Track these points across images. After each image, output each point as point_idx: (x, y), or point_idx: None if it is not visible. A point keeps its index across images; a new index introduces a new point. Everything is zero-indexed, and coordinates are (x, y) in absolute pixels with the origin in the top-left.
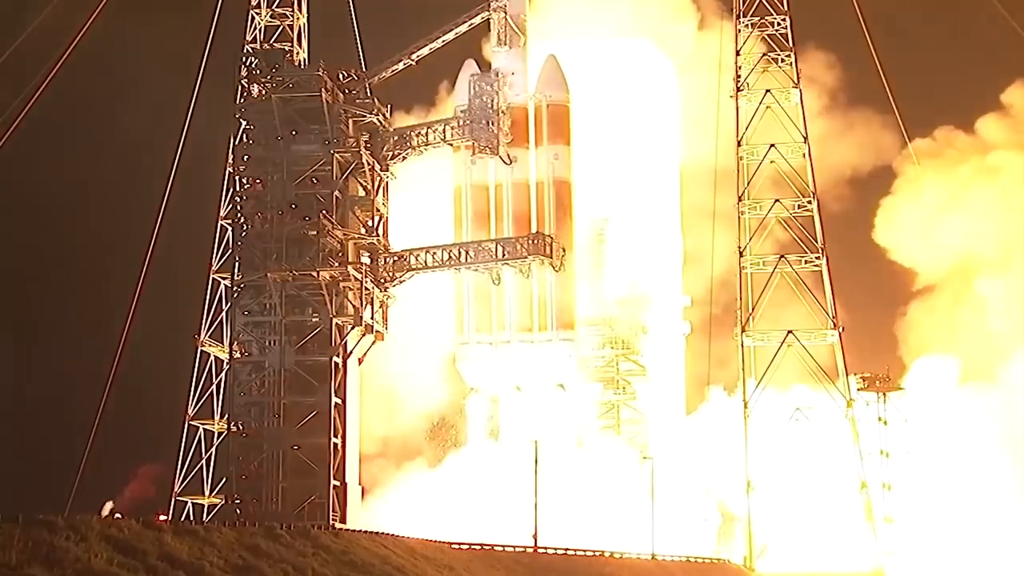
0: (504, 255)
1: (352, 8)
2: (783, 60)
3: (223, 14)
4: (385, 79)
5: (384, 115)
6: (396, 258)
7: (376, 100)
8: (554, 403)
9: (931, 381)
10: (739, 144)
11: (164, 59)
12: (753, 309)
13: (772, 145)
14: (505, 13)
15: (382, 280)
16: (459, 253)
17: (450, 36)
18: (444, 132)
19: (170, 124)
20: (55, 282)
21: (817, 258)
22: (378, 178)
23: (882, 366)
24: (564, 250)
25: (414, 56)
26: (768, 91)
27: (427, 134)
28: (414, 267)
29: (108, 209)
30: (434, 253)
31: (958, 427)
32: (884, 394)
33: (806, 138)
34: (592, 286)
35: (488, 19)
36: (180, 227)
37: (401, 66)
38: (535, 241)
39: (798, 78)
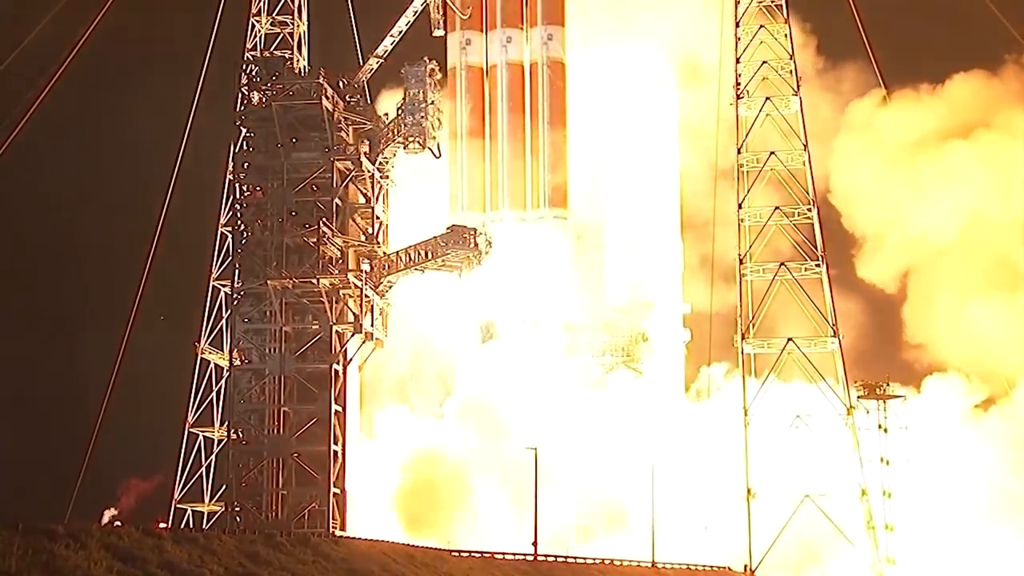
0: (429, 255)
1: (352, 15)
2: (783, 68)
3: (224, 21)
4: (368, 78)
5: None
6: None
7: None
8: (548, 282)
9: (938, 396)
10: (739, 151)
11: (165, 66)
12: (753, 317)
13: (772, 153)
14: None
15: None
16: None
17: (403, 25)
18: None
19: (170, 132)
20: (55, 289)
21: (817, 266)
22: (378, 185)
23: (887, 370)
24: (490, 243)
25: (380, 53)
26: (768, 99)
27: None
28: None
29: (108, 216)
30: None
31: (959, 437)
32: (884, 402)
33: (806, 145)
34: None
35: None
36: (180, 234)
37: (375, 64)
38: (457, 237)
39: (798, 86)
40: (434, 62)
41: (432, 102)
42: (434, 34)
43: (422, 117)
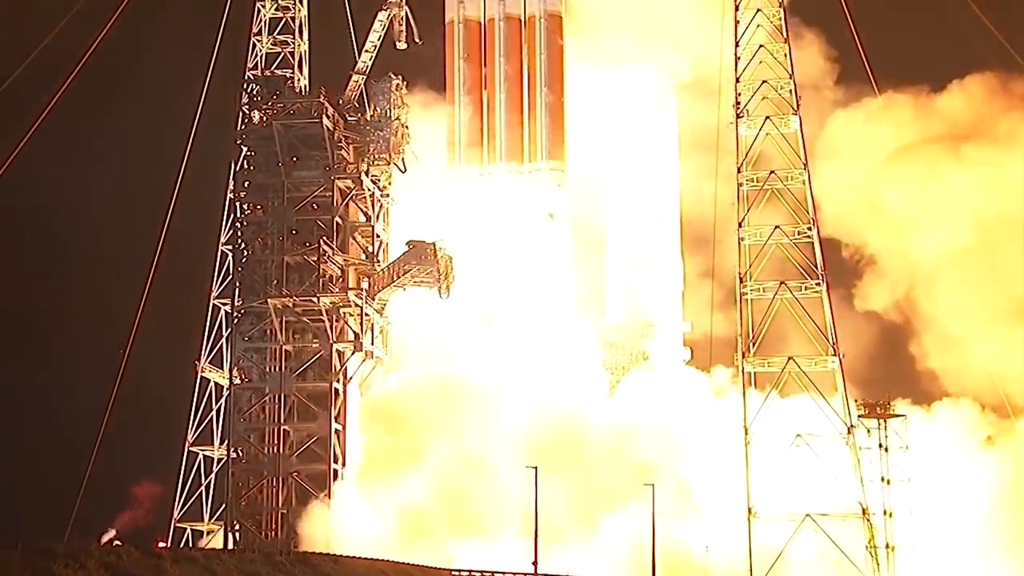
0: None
1: (352, 32)
2: (782, 88)
3: (225, 41)
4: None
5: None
6: None
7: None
8: (543, 232)
9: (945, 418)
10: (739, 171)
11: (166, 85)
12: (753, 336)
13: (771, 172)
14: (401, 9)
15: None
16: None
17: (375, 39)
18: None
19: (171, 150)
20: (55, 307)
21: (817, 284)
22: (378, 204)
23: (898, 389)
24: (450, 259)
25: (360, 69)
26: (767, 118)
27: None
28: None
29: (108, 233)
30: None
31: (965, 460)
32: (885, 420)
33: (806, 164)
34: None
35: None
36: (181, 252)
37: (360, 80)
38: (416, 253)
39: (797, 105)
40: (399, 77)
41: (398, 118)
42: (397, 47)
43: (388, 133)
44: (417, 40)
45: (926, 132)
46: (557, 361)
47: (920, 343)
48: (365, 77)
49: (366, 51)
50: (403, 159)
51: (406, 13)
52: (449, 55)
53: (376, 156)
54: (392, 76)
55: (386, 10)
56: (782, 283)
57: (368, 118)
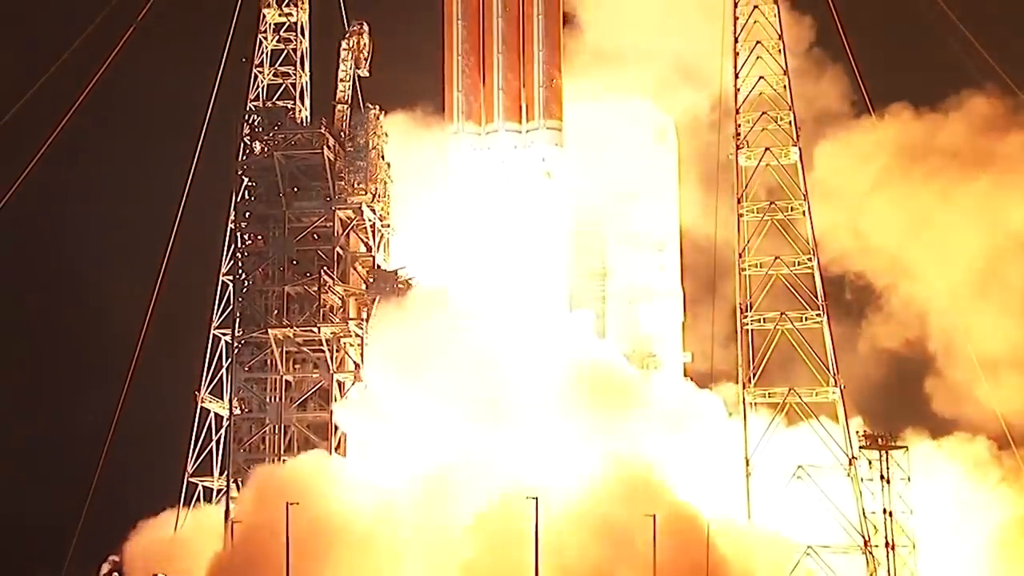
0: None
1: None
2: (781, 118)
3: (227, 72)
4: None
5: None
6: None
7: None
8: (541, 190)
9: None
10: (739, 201)
11: (167, 117)
12: (754, 367)
13: (771, 202)
14: (362, 37)
15: None
16: None
17: (346, 67)
18: None
19: (172, 181)
20: (55, 337)
21: (818, 315)
22: (379, 234)
23: (909, 419)
24: (409, 283)
25: (342, 99)
26: (767, 149)
27: None
28: None
29: (108, 264)
30: None
31: (970, 494)
32: (886, 452)
33: (806, 195)
34: None
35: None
36: (181, 283)
37: (345, 109)
38: (381, 282)
39: (797, 136)
40: (376, 106)
41: (374, 147)
42: (360, 75)
43: (367, 164)
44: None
45: (938, 161)
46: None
47: (936, 373)
48: (348, 105)
49: (341, 80)
50: (376, 190)
51: (367, 37)
52: (448, 16)
53: (355, 186)
54: (370, 106)
55: (349, 38)
56: (782, 314)
57: (347, 149)
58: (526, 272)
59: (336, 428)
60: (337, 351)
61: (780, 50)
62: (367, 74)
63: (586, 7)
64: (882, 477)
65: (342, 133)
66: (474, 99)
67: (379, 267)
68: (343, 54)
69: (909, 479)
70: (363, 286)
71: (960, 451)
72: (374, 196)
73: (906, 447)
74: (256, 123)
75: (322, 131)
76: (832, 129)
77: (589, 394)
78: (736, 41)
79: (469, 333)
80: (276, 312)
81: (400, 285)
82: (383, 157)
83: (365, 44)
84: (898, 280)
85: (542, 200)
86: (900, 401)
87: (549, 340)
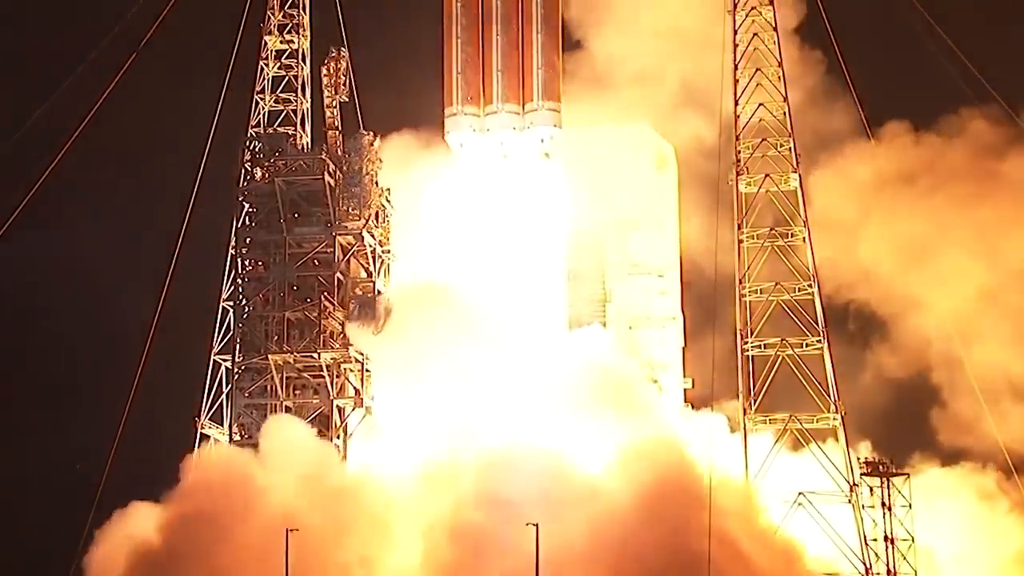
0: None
1: (351, 74)
2: (782, 145)
3: (228, 98)
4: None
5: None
6: None
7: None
8: (539, 171)
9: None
10: (739, 227)
11: (167, 145)
12: (754, 393)
13: (771, 228)
14: (342, 61)
15: None
16: None
17: (331, 92)
18: None
19: (173, 206)
20: (53, 363)
21: (819, 341)
22: (379, 259)
23: (917, 443)
24: (389, 310)
25: (332, 125)
26: (767, 175)
27: None
28: None
29: (109, 291)
30: None
31: (973, 522)
32: (888, 479)
33: (806, 221)
34: None
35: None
36: (182, 309)
37: (336, 134)
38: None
39: (797, 162)
40: (371, 132)
41: (368, 173)
42: (340, 100)
43: (361, 190)
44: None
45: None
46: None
47: (941, 403)
48: (338, 131)
49: (328, 107)
50: (371, 232)
51: (346, 63)
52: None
53: (350, 212)
54: (364, 132)
55: (327, 64)
56: (783, 340)
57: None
58: (526, 255)
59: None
60: (337, 377)
61: (780, 77)
62: (346, 99)
63: (589, 31)
64: (884, 504)
65: (342, 159)
66: (473, 81)
67: (361, 294)
68: (325, 80)
69: (910, 506)
70: (351, 311)
71: (968, 480)
72: (366, 222)
73: (907, 474)
74: (257, 149)
75: (323, 157)
76: (837, 158)
77: (601, 397)
78: (736, 68)
79: (474, 332)
80: (276, 338)
81: (375, 308)
82: (376, 183)
83: (344, 70)
84: (901, 310)
85: (541, 181)
86: (908, 428)
87: (554, 341)
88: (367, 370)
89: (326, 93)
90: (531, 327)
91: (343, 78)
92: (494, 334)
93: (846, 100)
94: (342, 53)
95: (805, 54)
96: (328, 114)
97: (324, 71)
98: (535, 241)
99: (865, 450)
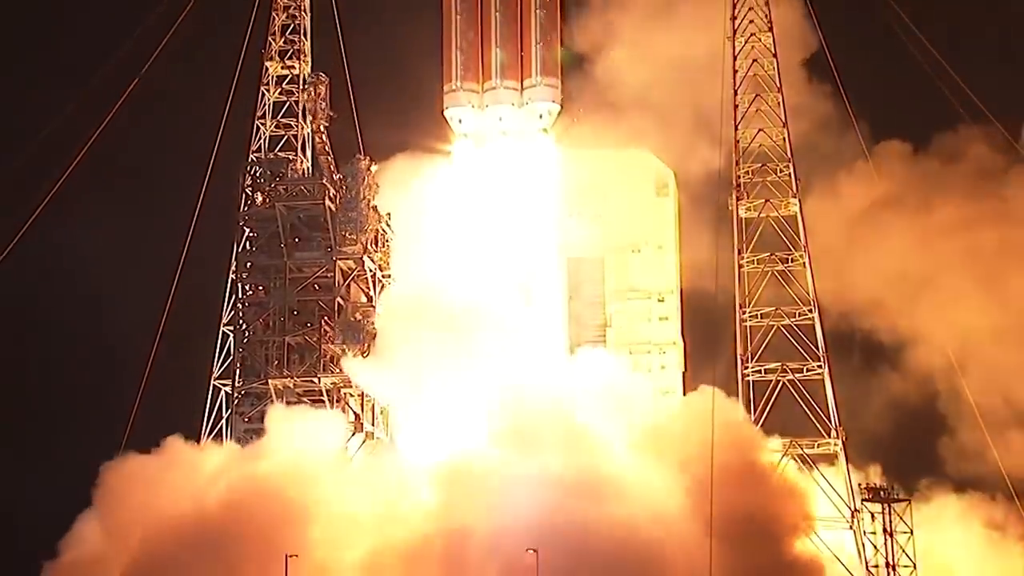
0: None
1: (352, 99)
2: (781, 171)
3: (229, 123)
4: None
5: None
6: None
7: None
8: (538, 147)
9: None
10: (739, 252)
11: (169, 169)
12: (755, 418)
13: (771, 254)
14: (320, 87)
15: None
16: None
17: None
18: None
19: (174, 232)
20: (52, 388)
21: (819, 366)
22: (379, 284)
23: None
24: (375, 335)
25: (324, 151)
26: (767, 201)
27: None
28: None
29: (110, 316)
30: None
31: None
32: (889, 505)
33: (806, 246)
34: None
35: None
36: (183, 334)
37: (328, 160)
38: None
39: (797, 188)
40: (368, 158)
41: (365, 198)
42: (320, 127)
43: (358, 215)
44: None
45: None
46: None
47: (949, 431)
48: (327, 156)
49: (316, 133)
50: (371, 257)
51: (326, 88)
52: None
53: (347, 237)
54: (360, 157)
55: (305, 91)
56: (783, 365)
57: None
58: (525, 270)
59: None
60: (337, 401)
61: (779, 103)
62: (327, 125)
63: (593, 54)
64: (885, 531)
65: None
66: (472, 58)
67: (360, 318)
68: (307, 106)
69: (912, 532)
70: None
71: (976, 508)
72: (364, 246)
73: (909, 500)
74: (258, 174)
75: (323, 182)
76: (843, 186)
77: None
78: (736, 93)
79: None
80: (276, 362)
81: (368, 334)
82: (375, 207)
83: (323, 95)
84: (906, 337)
85: (540, 156)
86: (917, 454)
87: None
88: (366, 395)
89: (308, 119)
90: (530, 349)
91: (323, 103)
92: (490, 355)
93: (853, 132)
94: (321, 79)
95: (814, 87)
96: (317, 140)
97: (305, 96)
98: (534, 241)
99: (875, 475)
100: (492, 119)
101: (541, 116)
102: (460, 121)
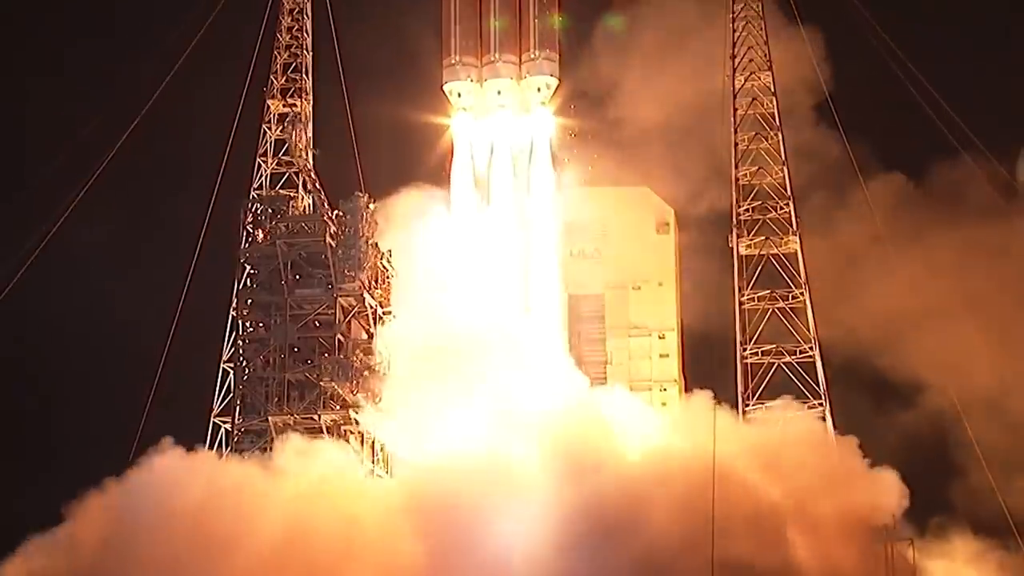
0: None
1: (352, 132)
2: (781, 208)
3: (231, 161)
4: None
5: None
6: None
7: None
8: (538, 120)
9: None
10: (739, 290)
11: (167, 204)
12: None
13: (770, 291)
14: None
15: None
16: None
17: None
18: None
19: (174, 270)
20: (50, 427)
21: (820, 404)
22: (380, 320)
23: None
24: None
25: (313, 188)
26: (767, 238)
27: None
28: None
29: (110, 354)
30: None
31: None
32: (891, 547)
33: (806, 283)
34: None
35: None
36: (182, 372)
37: (320, 195)
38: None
39: (797, 226)
40: (367, 194)
41: (363, 236)
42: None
43: (357, 252)
44: (314, 151)
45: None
46: None
47: (960, 474)
48: (313, 191)
49: (303, 172)
50: (368, 280)
51: (304, 120)
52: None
53: (345, 274)
54: (359, 194)
55: (287, 123)
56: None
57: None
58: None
59: None
60: (338, 438)
61: (779, 141)
62: (307, 164)
63: (599, 91)
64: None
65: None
66: (471, 32)
67: (362, 355)
68: (287, 140)
69: (915, 573)
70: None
71: (992, 550)
72: (363, 283)
73: (911, 539)
74: (259, 211)
75: (324, 218)
76: (850, 224)
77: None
78: (735, 131)
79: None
80: (276, 399)
81: (358, 371)
82: (375, 244)
83: (300, 131)
84: (915, 377)
85: (538, 130)
86: (930, 495)
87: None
88: (367, 432)
89: (295, 154)
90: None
91: (301, 143)
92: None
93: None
94: (299, 117)
95: (822, 131)
96: (305, 178)
97: (284, 132)
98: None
99: None
100: (491, 93)
101: (539, 89)
102: (459, 95)
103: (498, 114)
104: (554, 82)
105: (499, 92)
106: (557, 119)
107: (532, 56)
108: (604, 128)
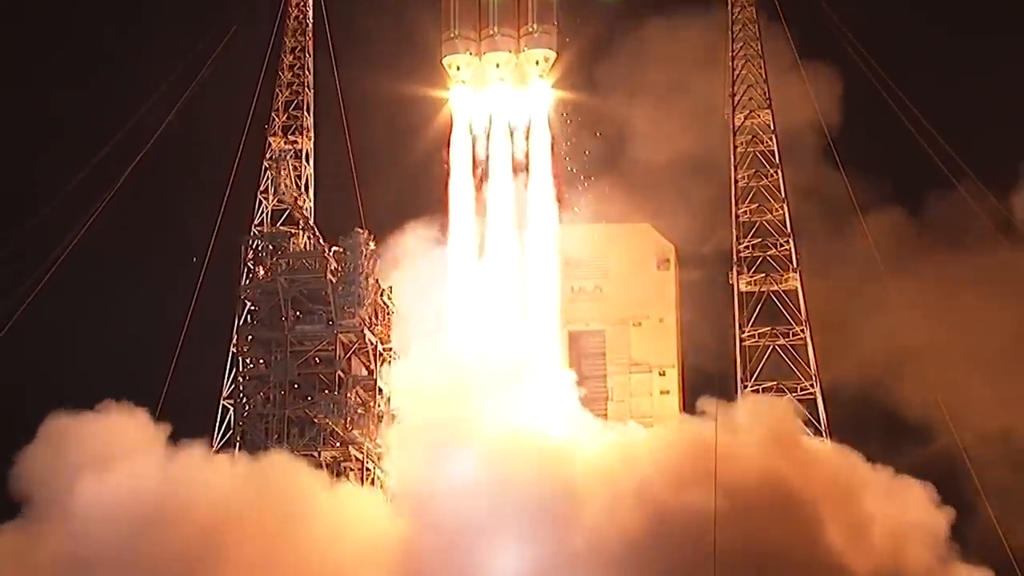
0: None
1: (353, 169)
2: (781, 245)
3: (232, 196)
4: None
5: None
6: None
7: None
8: (536, 95)
9: None
10: (739, 326)
11: (172, 241)
12: None
13: (771, 327)
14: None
15: None
16: None
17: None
18: None
19: (176, 305)
20: None
21: (821, 441)
22: (380, 358)
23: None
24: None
25: (306, 226)
26: (767, 275)
27: None
28: None
29: (111, 387)
30: None
31: None
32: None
33: (807, 320)
34: None
35: None
36: (181, 408)
37: (313, 231)
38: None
39: (797, 263)
40: (366, 231)
41: (363, 272)
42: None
43: (357, 287)
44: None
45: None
46: None
47: (974, 504)
48: (304, 228)
49: (295, 209)
50: (372, 337)
51: (290, 160)
52: None
53: (345, 310)
54: (359, 230)
55: (274, 159)
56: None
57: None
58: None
59: None
60: (338, 475)
61: (779, 179)
62: (292, 203)
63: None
64: None
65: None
66: (470, 5)
67: (362, 391)
68: (277, 176)
69: None
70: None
71: None
72: (363, 320)
73: None
74: (259, 248)
75: (325, 255)
76: (854, 263)
77: None
78: (735, 168)
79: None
80: (276, 436)
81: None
82: (375, 280)
83: (285, 168)
84: (922, 414)
85: (537, 103)
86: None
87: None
88: (367, 469)
89: (282, 190)
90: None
91: (287, 181)
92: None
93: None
94: (284, 155)
95: (827, 170)
96: (296, 215)
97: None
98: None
99: None
100: (490, 66)
101: (538, 63)
102: (458, 68)
103: (497, 87)
104: (552, 55)
105: (497, 65)
106: (555, 92)
107: (530, 29)
108: (607, 163)
